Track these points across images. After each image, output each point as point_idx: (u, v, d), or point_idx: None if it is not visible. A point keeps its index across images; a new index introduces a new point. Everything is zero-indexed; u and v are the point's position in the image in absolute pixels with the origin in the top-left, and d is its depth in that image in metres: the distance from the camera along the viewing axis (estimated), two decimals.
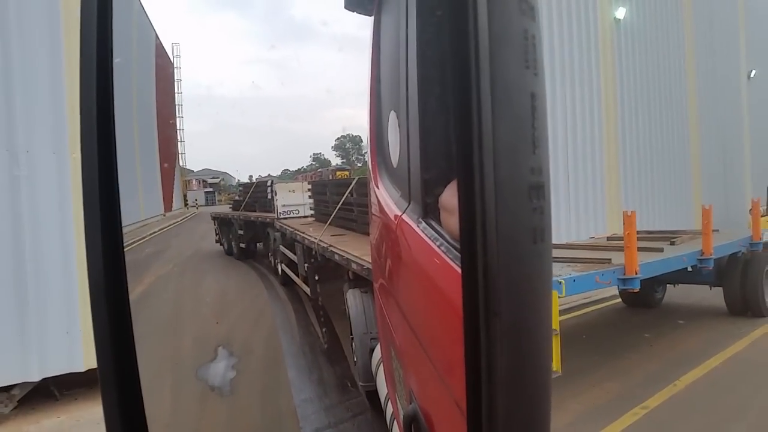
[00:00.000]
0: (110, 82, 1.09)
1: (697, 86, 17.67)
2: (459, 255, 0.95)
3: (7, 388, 6.80)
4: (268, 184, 17.15)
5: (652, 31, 16.00)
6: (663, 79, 16.40)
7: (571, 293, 6.91)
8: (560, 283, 6.47)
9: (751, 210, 11.16)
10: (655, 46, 16.05)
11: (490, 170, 0.68)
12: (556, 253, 8.71)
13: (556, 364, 5.99)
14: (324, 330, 8.93)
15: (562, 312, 6.73)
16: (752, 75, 20.83)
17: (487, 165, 0.68)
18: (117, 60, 1.09)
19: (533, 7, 0.72)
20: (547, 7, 12.25)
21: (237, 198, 20.01)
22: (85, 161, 1.07)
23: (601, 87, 13.97)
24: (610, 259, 7.78)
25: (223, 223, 19.28)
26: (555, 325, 6.12)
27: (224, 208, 22.63)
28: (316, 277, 9.50)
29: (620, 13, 14.50)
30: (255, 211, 16.98)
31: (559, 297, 6.44)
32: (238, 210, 18.73)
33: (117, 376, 1.13)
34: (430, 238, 1.16)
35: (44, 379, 6.87)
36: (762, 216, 11.37)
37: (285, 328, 9.48)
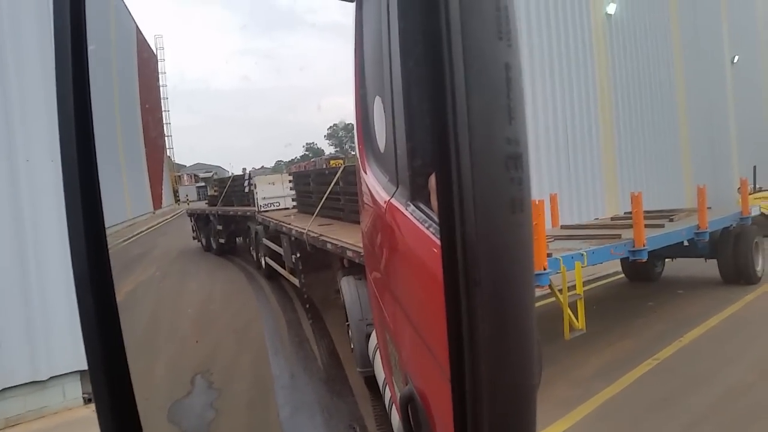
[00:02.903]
0: (86, 76, 1.06)
1: (685, 73, 18.52)
2: None
3: None
4: (246, 177, 16.83)
5: (641, 24, 16.81)
6: (652, 69, 17.17)
7: (591, 263, 7.94)
8: (582, 255, 7.62)
9: (739, 188, 12.16)
10: (644, 38, 16.90)
11: (465, 141, 0.67)
12: (571, 232, 9.85)
13: (581, 323, 7.26)
14: (319, 346, 8.24)
15: (570, 288, 7.27)
16: (735, 60, 21.62)
17: (462, 135, 0.67)
18: (92, 51, 1.07)
19: None
20: (544, 3, 13.11)
21: (213, 193, 19.59)
22: (64, 162, 1.05)
23: (596, 80, 14.83)
24: (620, 235, 8.87)
25: (200, 219, 18.94)
26: (579, 290, 7.37)
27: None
28: (304, 268, 9.47)
29: (611, 8, 15.50)
30: (233, 205, 16.62)
31: (582, 267, 7.49)
32: (215, 205, 18.43)
33: (108, 378, 1.12)
34: (418, 220, 1.16)
35: None
36: (750, 194, 12.19)
37: (274, 339, 8.85)
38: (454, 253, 0.70)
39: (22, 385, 6.83)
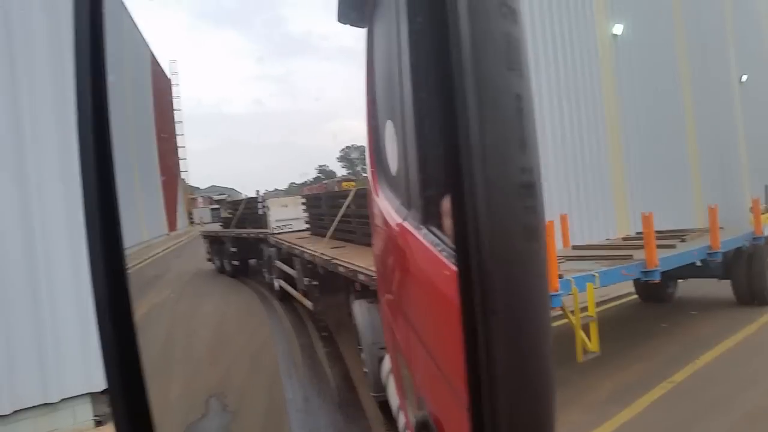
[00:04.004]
0: (105, 100, 1.09)
1: (693, 93, 18.43)
2: None
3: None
4: (259, 200, 16.93)
5: (648, 44, 16.83)
6: (660, 89, 17.14)
7: (603, 285, 7.86)
8: (594, 276, 7.56)
9: (751, 208, 11.98)
10: (651, 58, 16.86)
11: (479, 170, 0.68)
12: (582, 252, 9.80)
13: (594, 346, 7.17)
14: (332, 369, 8.23)
15: (582, 309, 7.21)
16: (743, 80, 21.52)
17: (476, 165, 0.68)
18: (111, 79, 1.09)
19: (514, 10, 0.72)
20: (549, 24, 13.24)
21: (227, 215, 19.69)
22: (84, 183, 1.07)
23: (604, 100, 14.88)
24: (631, 255, 8.78)
25: (214, 241, 19.05)
26: (592, 312, 7.29)
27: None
28: (316, 291, 9.46)
29: (617, 29, 15.64)
30: (246, 227, 16.74)
31: (594, 289, 7.44)
32: (228, 227, 18.51)
33: (126, 399, 1.13)
34: (431, 243, 1.16)
35: None
36: (762, 213, 12.08)
37: (287, 361, 8.76)
38: (471, 283, 0.70)
39: (33, 407, 6.84)
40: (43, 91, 7.05)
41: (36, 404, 6.86)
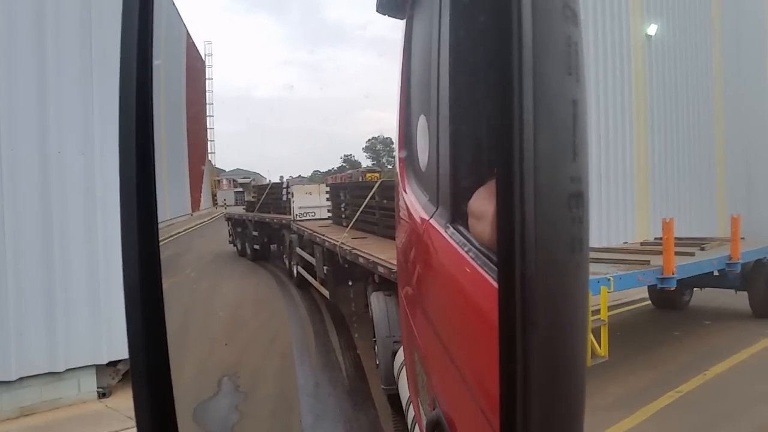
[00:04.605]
0: (149, 80, 1.09)
1: (725, 98, 18.08)
2: (487, 261, 0.94)
3: (115, 363, 7.33)
4: (284, 185, 16.95)
5: (682, 46, 16.50)
6: (691, 92, 16.84)
7: (617, 289, 7.81)
8: (609, 279, 7.45)
9: None
10: (684, 61, 16.58)
11: (530, 178, 0.67)
12: (598, 255, 9.59)
13: (604, 350, 7.08)
14: (345, 358, 8.27)
15: (594, 313, 7.12)
16: None
17: (527, 173, 0.67)
18: (157, 62, 1.10)
19: (576, 14, 0.71)
20: (583, 23, 12.70)
21: (251, 199, 19.75)
22: (122, 159, 1.08)
23: (633, 99, 14.56)
24: (648, 261, 8.66)
25: (237, 224, 19.12)
26: (603, 316, 7.19)
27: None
28: (335, 280, 9.48)
29: (651, 29, 15.22)
30: (270, 212, 16.70)
31: (608, 292, 7.35)
32: (252, 211, 18.59)
33: (149, 373, 1.14)
34: (458, 243, 1.15)
35: None
36: None
37: (301, 347, 8.83)
38: (512, 292, 0.69)
39: (38, 375, 6.92)
40: (71, 62, 7.13)
41: (41, 372, 6.93)
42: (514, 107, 0.67)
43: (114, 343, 7.08)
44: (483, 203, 1.00)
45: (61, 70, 7.07)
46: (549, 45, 0.68)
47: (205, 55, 21.36)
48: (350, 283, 8.63)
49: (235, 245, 18.91)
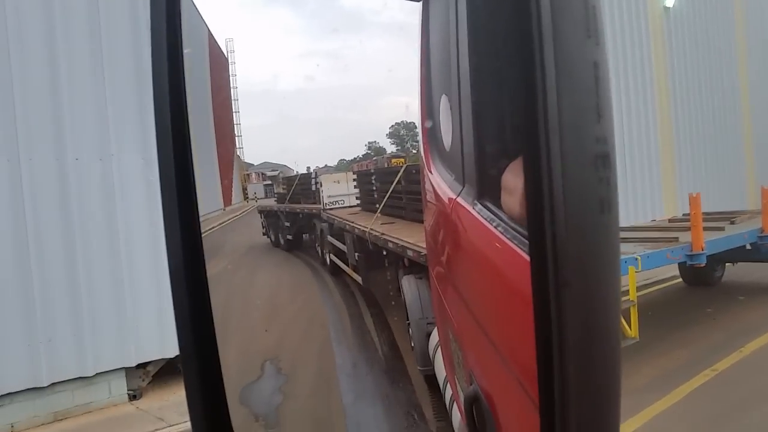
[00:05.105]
0: (182, 77, 1.12)
1: (749, 69, 17.51)
2: (517, 234, 0.94)
3: (144, 365, 7.55)
4: (312, 176, 17.08)
5: (703, 18, 16.08)
6: (714, 64, 16.41)
7: (646, 268, 7.69)
8: (636, 259, 7.34)
9: None
10: (705, 32, 16.14)
11: (556, 142, 0.68)
12: (625, 234, 9.45)
13: (634, 332, 6.96)
14: (380, 339, 8.41)
15: (623, 293, 6.81)
16: None
17: (553, 137, 0.68)
18: (187, 58, 1.12)
19: None
20: None
21: (282, 191, 19.96)
22: (161, 155, 1.11)
23: (654, 75, 14.24)
24: (677, 238, 8.61)
25: (269, 216, 19.34)
26: (632, 296, 7.07)
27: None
28: (366, 266, 9.54)
29: (670, 1, 14.88)
30: (300, 203, 16.91)
31: (636, 272, 7.23)
32: (283, 203, 18.78)
33: (199, 363, 1.17)
34: (486, 219, 1.16)
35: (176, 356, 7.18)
36: None
37: (337, 330, 9.00)
38: (544, 254, 0.70)
39: (70, 380, 7.07)
40: (82, 68, 7.23)
41: (72, 377, 7.08)
42: (537, 73, 0.68)
43: (142, 345, 7.32)
44: (515, 177, 1.01)
45: (73, 78, 7.17)
46: (567, 9, 0.69)
47: (227, 52, 21.49)
48: (382, 268, 8.68)
49: (269, 236, 19.17)
